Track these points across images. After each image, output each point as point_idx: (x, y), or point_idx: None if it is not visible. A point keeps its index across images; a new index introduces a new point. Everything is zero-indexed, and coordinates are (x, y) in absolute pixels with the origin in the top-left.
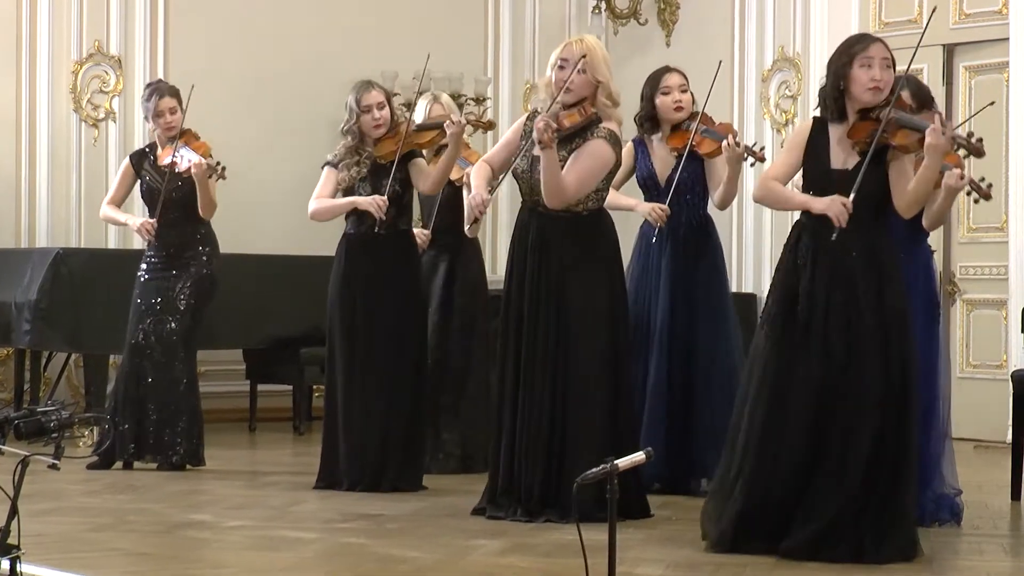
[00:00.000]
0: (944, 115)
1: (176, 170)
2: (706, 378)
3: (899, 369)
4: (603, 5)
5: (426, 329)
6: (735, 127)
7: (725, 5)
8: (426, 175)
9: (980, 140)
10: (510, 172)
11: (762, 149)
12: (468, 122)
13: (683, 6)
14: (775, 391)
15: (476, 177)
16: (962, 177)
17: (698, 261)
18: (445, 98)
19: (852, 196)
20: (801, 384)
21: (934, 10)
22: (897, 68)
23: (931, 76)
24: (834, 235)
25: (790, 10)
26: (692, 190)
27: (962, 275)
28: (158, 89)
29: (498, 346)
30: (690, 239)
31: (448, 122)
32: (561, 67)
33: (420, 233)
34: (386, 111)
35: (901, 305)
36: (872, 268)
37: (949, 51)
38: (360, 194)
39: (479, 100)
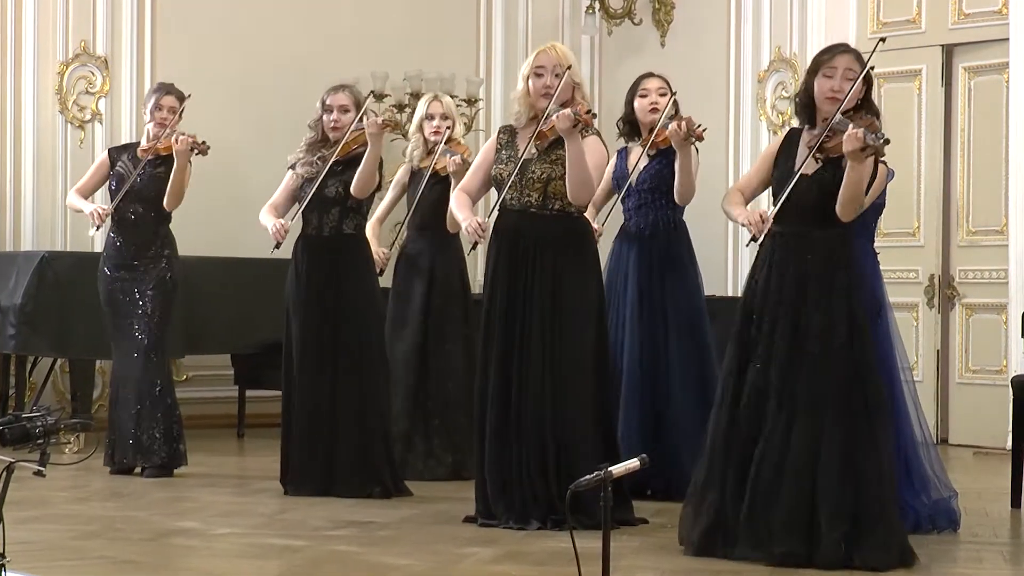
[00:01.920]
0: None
1: (159, 152)
2: (681, 387)
3: (857, 377)
4: (597, 5)
5: (381, 331)
6: (730, 128)
7: (721, 5)
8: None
9: (887, 141)
10: (492, 181)
11: (702, 128)
12: (386, 123)
13: (678, 6)
14: (731, 395)
15: (460, 208)
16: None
17: (666, 264)
18: (447, 100)
19: (773, 210)
20: (750, 387)
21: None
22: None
23: (930, 77)
24: (747, 243)
25: (786, 10)
26: (659, 189)
27: (961, 279)
28: (165, 87)
29: (481, 351)
30: (658, 240)
31: (367, 121)
32: (539, 75)
33: (379, 253)
34: (348, 116)
35: (857, 310)
36: (828, 271)
37: (948, 52)
38: (303, 194)
39: (471, 101)
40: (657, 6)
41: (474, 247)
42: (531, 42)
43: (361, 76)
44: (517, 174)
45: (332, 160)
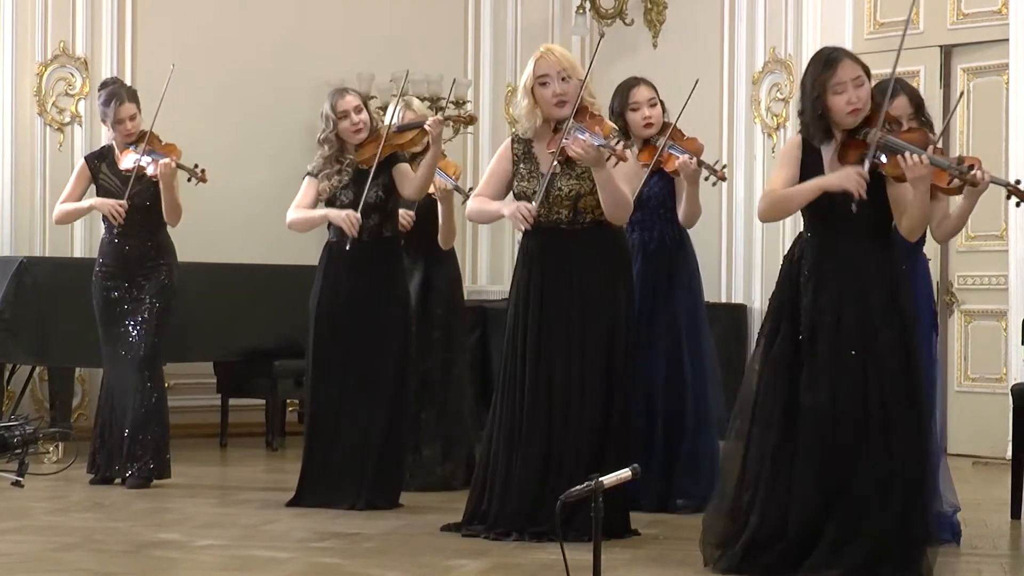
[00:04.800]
0: (933, 134)
1: (145, 174)
2: (680, 400)
3: (914, 385)
4: (587, 5)
5: (411, 341)
6: (724, 130)
7: (714, 5)
8: (409, 179)
9: (971, 167)
10: (516, 198)
11: (723, 168)
12: (448, 118)
13: (670, 6)
14: (782, 414)
15: (486, 204)
16: (982, 178)
17: (671, 279)
18: (416, 103)
19: (866, 165)
20: (810, 408)
21: None
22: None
23: (928, 78)
24: (853, 206)
25: (781, 10)
26: (664, 204)
27: (960, 285)
28: (117, 95)
29: (504, 366)
30: (662, 255)
31: (429, 121)
32: (544, 83)
33: (404, 214)
34: (364, 115)
35: (913, 318)
36: (883, 281)
37: (946, 52)
38: (341, 202)
39: (459, 103)
40: (649, 6)
41: (525, 234)
42: (520, 43)
43: (347, 78)
44: (544, 192)
45: (367, 163)
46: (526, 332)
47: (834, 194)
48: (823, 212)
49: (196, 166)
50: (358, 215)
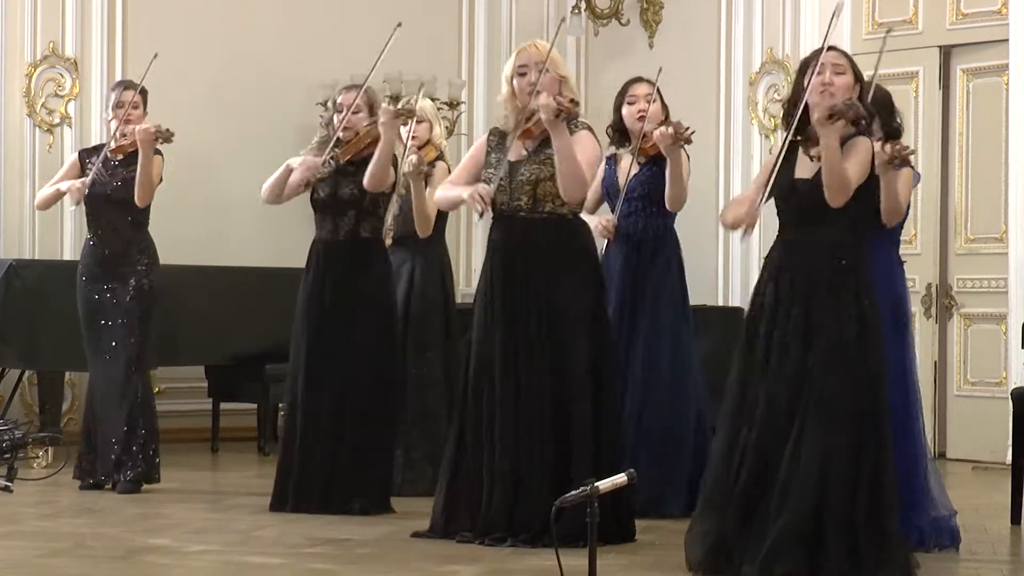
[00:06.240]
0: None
1: (124, 146)
2: (661, 397)
3: (866, 383)
4: (583, 5)
5: (395, 340)
6: (720, 132)
7: (711, 5)
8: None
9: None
10: None
11: (689, 131)
12: (398, 112)
13: (667, 6)
14: (739, 412)
15: (449, 190)
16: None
17: (650, 275)
18: (421, 102)
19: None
20: (763, 403)
21: None
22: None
23: (927, 79)
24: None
25: (779, 10)
26: (648, 196)
27: (959, 288)
28: (123, 82)
29: (470, 356)
30: (646, 250)
31: (380, 110)
32: (522, 73)
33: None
34: (359, 116)
35: (868, 314)
36: (836, 274)
37: (946, 53)
38: (319, 195)
39: (453, 104)
40: (645, 6)
41: (480, 216)
42: (515, 43)
43: (340, 78)
44: (506, 177)
45: (344, 160)
46: (495, 327)
47: (793, 188)
48: (779, 199)
49: (166, 129)
50: (319, 160)
